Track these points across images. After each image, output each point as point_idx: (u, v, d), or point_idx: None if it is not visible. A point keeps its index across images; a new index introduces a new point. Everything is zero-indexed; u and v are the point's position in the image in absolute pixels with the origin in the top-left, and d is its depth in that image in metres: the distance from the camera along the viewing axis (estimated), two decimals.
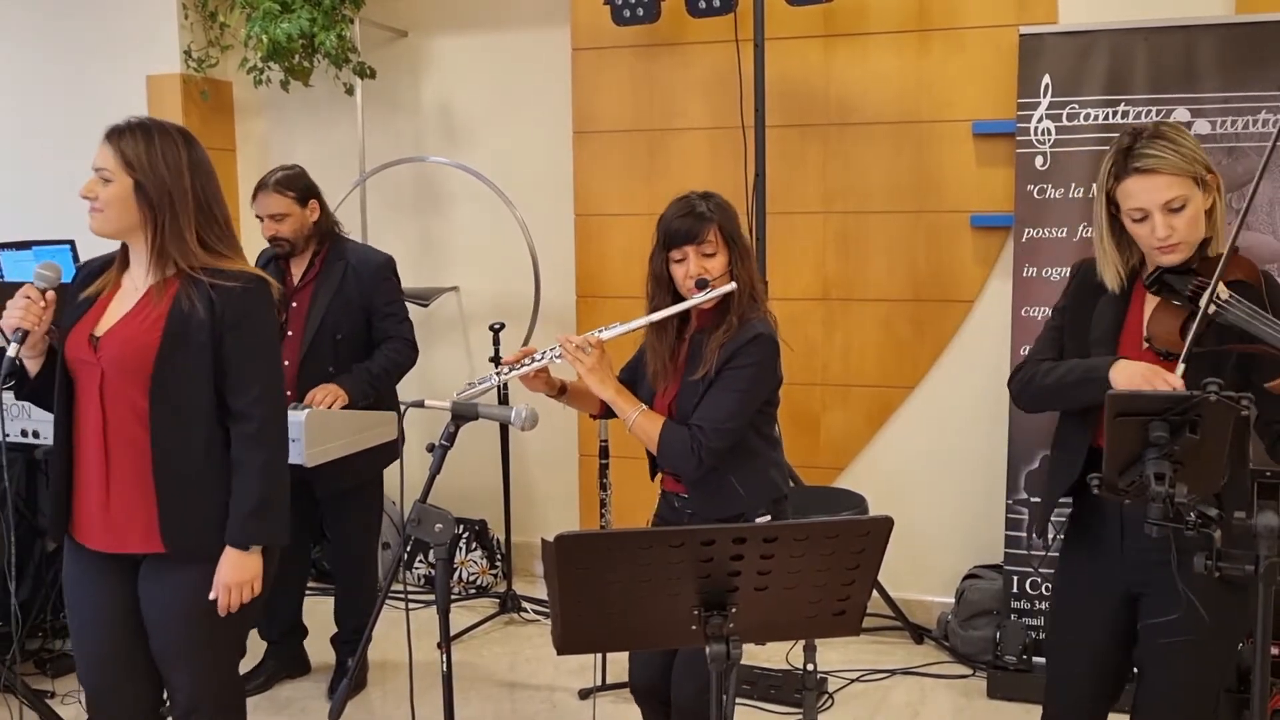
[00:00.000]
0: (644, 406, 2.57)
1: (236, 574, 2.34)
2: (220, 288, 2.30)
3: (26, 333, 2.27)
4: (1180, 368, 2.10)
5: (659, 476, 2.74)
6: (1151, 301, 2.26)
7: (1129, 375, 2.15)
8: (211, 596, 2.34)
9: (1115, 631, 2.35)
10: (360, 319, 3.62)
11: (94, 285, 2.39)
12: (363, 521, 3.83)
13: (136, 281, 2.37)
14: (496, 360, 4.31)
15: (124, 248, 2.40)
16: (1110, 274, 2.29)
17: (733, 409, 2.50)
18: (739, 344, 2.51)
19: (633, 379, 2.71)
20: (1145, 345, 2.24)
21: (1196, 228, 2.18)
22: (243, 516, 2.34)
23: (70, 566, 2.43)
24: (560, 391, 2.69)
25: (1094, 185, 2.32)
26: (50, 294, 2.31)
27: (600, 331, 2.58)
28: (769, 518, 2.60)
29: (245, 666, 3.76)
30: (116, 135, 2.32)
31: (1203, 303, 2.10)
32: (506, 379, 2.63)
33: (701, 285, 2.52)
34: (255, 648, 3.86)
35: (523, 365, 2.59)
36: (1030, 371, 2.37)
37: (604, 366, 2.55)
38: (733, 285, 2.53)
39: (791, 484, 4.02)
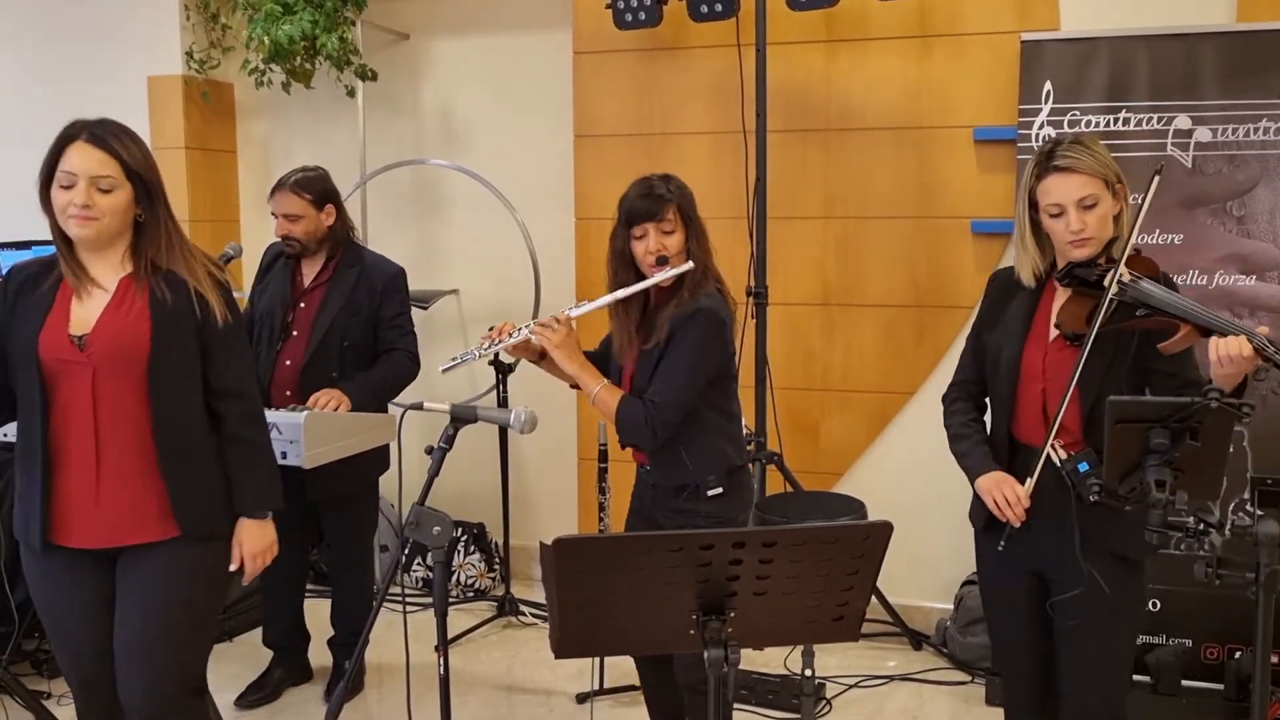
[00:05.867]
0: (606, 381, 2.72)
1: (259, 542, 2.48)
2: (184, 276, 2.37)
3: None
4: (1037, 473, 2.36)
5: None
6: (1061, 296, 2.44)
7: (984, 482, 2.46)
8: (233, 567, 2.47)
9: (1034, 612, 2.50)
10: (368, 327, 3.63)
11: (41, 290, 2.37)
12: (359, 526, 3.83)
13: (101, 280, 2.38)
14: (495, 362, 4.31)
15: (67, 251, 2.37)
16: (1027, 270, 2.48)
17: (678, 382, 2.64)
18: (680, 319, 2.65)
19: (604, 354, 2.86)
20: (1054, 330, 2.42)
21: (1105, 226, 2.36)
22: (257, 488, 2.46)
23: (43, 570, 2.42)
24: (541, 356, 2.80)
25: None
26: None
27: (570, 310, 2.74)
28: (721, 490, 2.72)
29: (251, 675, 3.79)
30: (111, 139, 2.31)
31: (1107, 281, 2.31)
32: (486, 354, 2.76)
33: (662, 262, 2.67)
34: (260, 656, 3.86)
35: (502, 340, 2.73)
36: (949, 418, 2.65)
37: (570, 343, 2.70)
38: (690, 265, 2.68)
39: (791, 488, 4.06)
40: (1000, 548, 2.44)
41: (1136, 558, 2.41)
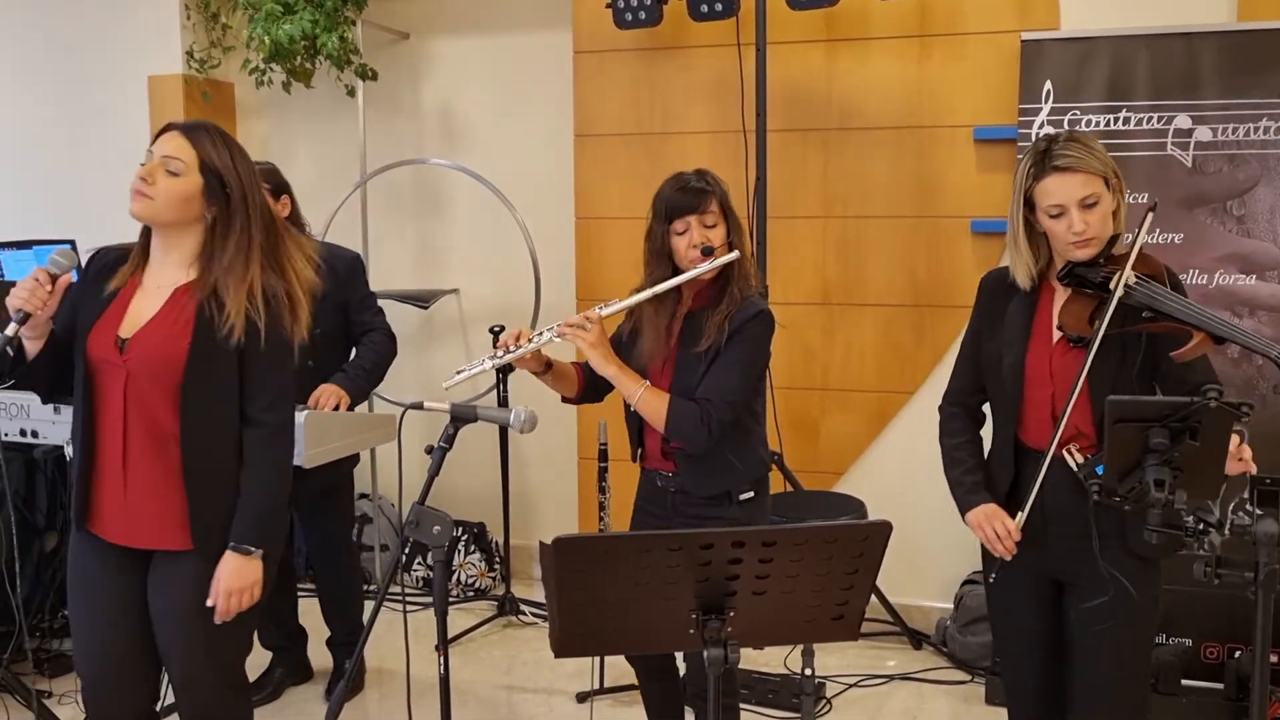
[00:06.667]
0: (647, 383, 2.60)
1: (238, 579, 2.31)
2: (230, 294, 2.30)
3: (28, 315, 2.25)
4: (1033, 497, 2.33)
5: (640, 453, 2.76)
6: (1061, 296, 2.39)
7: (974, 516, 2.44)
8: (210, 603, 2.31)
9: (1050, 620, 2.46)
10: (337, 314, 3.63)
11: (114, 281, 2.37)
12: (338, 521, 3.83)
13: (161, 280, 2.36)
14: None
15: (146, 240, 2.37)
16: (1022, 272, 2.41)
17: (736, 380, 2.57)
18: (744, 318, 2.57)
19: (619, 354, 2.72)
20: (1057, 333, 2.37)
21: (1106, 224, 2.31)
22: (251, 520, 2.34)
23: (79, 557, 2.41)
24: (546, 368, 2.71)
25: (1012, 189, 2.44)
26: (62, 279, 2.29)
27: (600, 308, 2.63)
28: (752, 494, 2.66)
29: (251, 675, 3.76)
30: (197, 131, 2.31)
31: (1113, 284, 2.26)
32: (500, 364, 2.62)
33: (707, 253, 2.57)
34: (261, 655, 3.85)
35: (517, 348, 2.59)
36: (944, 436, 2.65)
37: (605, 342, 2.60)
38: (736, 254, 2.60)
39: (791, 488, 4.06)
40: (990, 580, 2.44)
41: (1154, 557, 2.35)
